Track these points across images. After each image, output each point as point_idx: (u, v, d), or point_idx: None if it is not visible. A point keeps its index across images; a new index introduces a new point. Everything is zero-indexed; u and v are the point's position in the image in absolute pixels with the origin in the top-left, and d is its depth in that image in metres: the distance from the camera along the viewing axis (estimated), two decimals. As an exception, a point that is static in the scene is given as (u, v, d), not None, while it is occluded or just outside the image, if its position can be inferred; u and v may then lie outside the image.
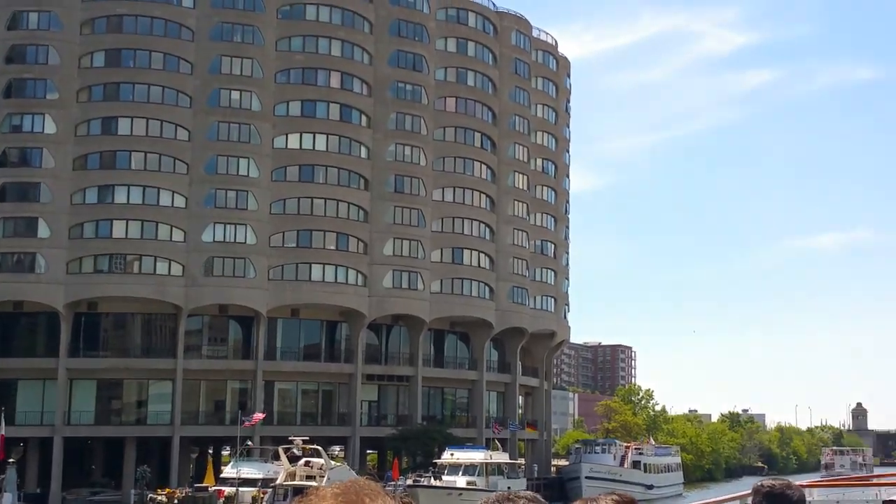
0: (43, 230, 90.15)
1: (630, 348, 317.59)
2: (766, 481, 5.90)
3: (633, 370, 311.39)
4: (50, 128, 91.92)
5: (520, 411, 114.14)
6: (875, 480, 16.27)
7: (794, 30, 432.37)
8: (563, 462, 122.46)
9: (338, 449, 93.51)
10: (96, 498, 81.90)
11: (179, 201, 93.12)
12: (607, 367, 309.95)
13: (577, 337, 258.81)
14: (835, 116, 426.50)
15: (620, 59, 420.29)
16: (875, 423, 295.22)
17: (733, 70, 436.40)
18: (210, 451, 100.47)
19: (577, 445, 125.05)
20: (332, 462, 71.40)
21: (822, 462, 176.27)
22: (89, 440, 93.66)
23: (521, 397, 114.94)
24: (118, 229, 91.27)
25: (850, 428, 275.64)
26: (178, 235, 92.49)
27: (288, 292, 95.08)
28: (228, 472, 72.45)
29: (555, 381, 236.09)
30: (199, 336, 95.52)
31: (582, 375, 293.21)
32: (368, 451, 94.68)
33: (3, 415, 73.62)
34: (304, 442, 72.40)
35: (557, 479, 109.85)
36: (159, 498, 68.03)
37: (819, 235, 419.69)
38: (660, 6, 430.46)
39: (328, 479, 64.53)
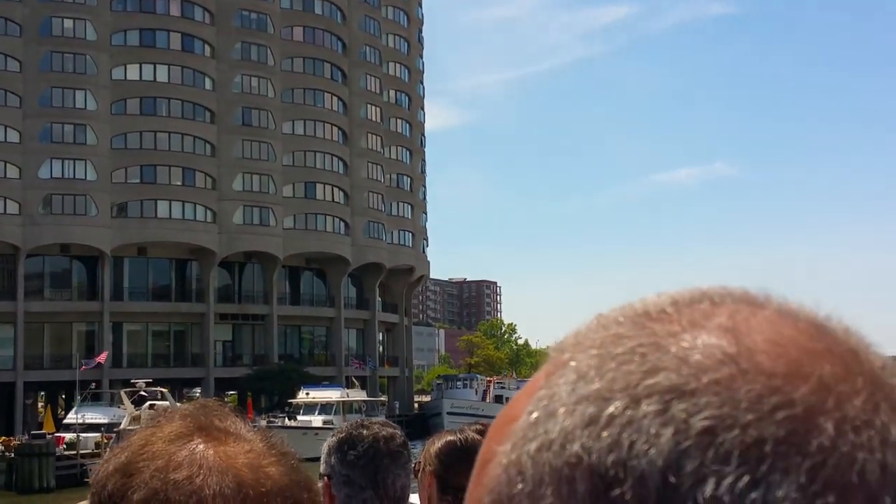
0: None
1: (495, 283, 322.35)
2: None
3: (498, 305, 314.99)
4: None
5: (380, 348, 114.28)
6: None
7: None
8: (426, 398, 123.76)
9: (197, 391, 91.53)
10: None
11: (13, 136, 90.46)
12: (473, 302, 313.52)
13: (442, 273, 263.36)
14: (689, 51, 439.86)
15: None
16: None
17: (589, 5, 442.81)
18: (63, 397, 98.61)
19: (438, 381, 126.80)
20: (179, 404, 69.83)
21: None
22: None
23: (381, 334, 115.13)
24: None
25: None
26: (12, 172, 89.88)
27: (133, 230, 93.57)
28: (71, 417, 70.77)
29: (420, 317, 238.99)
30: (41, 277, 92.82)
31: (448, 311, 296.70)
32: (228, 392, 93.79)
33: None
34: (148, 384, 71.83)
35: (419, 416, 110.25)
36: (-1, 443, 66.03)
37: (673, 170, 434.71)
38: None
39: None
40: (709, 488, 0.51)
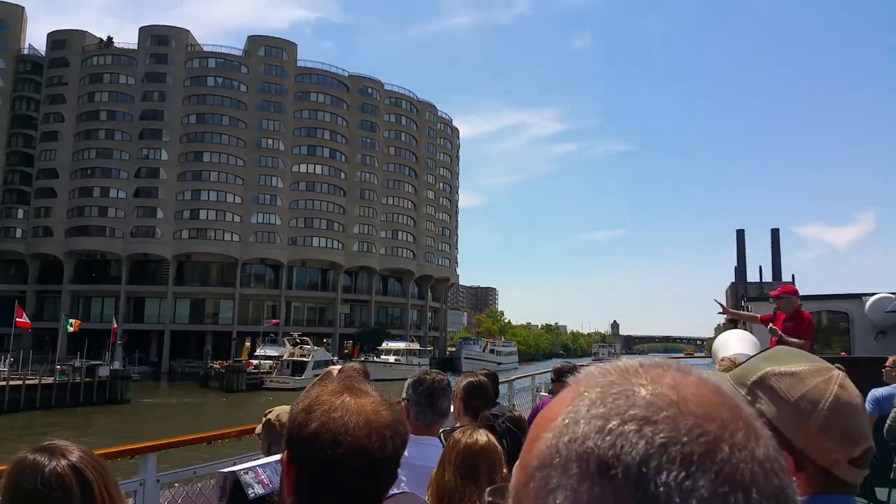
0: None
1: (495, 289, 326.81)
2: (561, 363, 6.36)
3: (497, 300, 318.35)
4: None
5: (430, 321, 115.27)
6: None
7: (584, 121, 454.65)
8: (453, 349, 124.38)
9: (326, 340, 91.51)
10: (188, 364, 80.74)
11: (238, 199, 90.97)
12: (483, 298, 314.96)
13: (468, 282, 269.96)
14: (606, 170, 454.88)
15: (489, 137, 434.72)
16: (624, 330, 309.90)
17: (551, 143, 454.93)
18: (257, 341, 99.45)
19: (460, 340, 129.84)
20: (316, 347, 70.93)
21: (593, 351, 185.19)
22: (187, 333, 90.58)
23: (430, 313, 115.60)
24: None
25: (610, 333, 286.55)
26: (237, 219, 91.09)
27: (299, 251, 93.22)
28: (259, 352, 72.31)
29: (453, 304, 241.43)
30: (249, 276, 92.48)
31: (470, 303, 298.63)
32: (346, 342, 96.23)
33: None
34: (300, 335, 73.21)
35: (449, 358, 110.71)
36: (215, 365, 67.76)
37: (595, 231, 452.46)
38: (512, 107, 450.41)
39: (312, 357, 66.04)
40: (663, 477, 0.56)
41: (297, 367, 65.90)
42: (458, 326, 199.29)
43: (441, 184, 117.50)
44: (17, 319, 46.96)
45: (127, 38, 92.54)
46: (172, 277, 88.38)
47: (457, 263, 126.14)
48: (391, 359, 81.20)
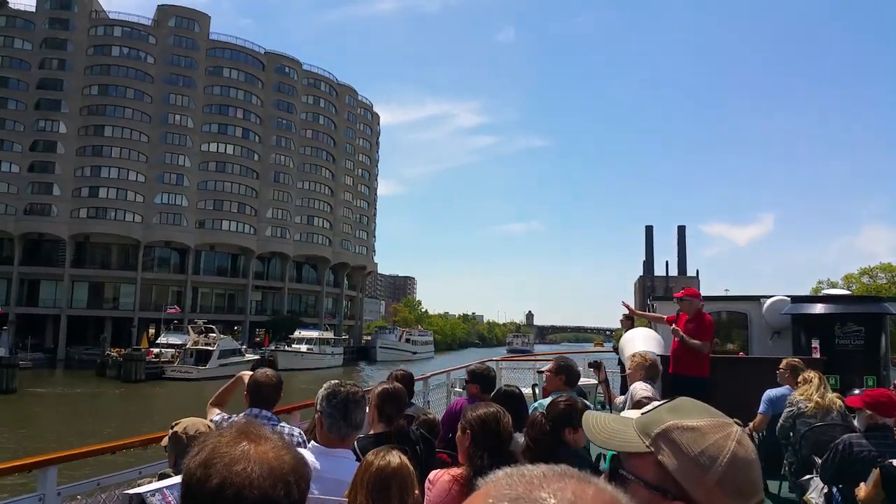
0: None
1: (413, 278, 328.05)
2: (475, 364, 6.27)
3: (415, 289, 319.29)
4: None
5: (345, 310, 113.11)
6: (533, 358, 18.66)
7: (505, 116, 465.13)
8: (369, 338, 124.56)
9: (237, 328, 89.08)
10: (85, 352, 75.92)
11: (141, 178, 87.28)
12: (401, 287, 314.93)
13: (386, 270, 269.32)
14: (524, 164, 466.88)
15: (411, 126, 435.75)
16: (538, 321, 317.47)
17: (472, 135, 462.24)
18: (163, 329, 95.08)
19: (376, 329, 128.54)
20: (222, 336, 68.18)
21: (507, 341, 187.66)
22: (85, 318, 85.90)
23: (345, 301, 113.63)
24: None
25: (525, 323, 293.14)
26: (139, 199, 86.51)
27: (208, 235, 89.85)
28: (161, 339, 69.40)
29: (370, 293, 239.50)
30: (152, 260, 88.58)
31: (388, 292, 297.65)
32: (258, 330, 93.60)
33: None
34: (205, 323, 70.41)
35: (364, 348, 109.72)
36: (112, 353, 64.13)
37: (512, 224, 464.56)
38: (435, 97, 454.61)
39: (217, 346, 63.41)
40: None
41: (202, 357, 63.18)
42: (376, 315, 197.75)
43: (359, 170, 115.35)
44: None
45: (28, 1, 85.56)
46: (70, 259, 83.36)
47: (374, 251, 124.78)
48: (303, 348, 79.57)
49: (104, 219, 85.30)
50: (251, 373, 4.24)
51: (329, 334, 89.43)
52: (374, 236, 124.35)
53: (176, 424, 3.29)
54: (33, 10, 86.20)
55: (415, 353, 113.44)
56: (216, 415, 4.25)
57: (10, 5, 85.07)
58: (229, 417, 4.09)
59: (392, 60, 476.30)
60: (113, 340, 78.37)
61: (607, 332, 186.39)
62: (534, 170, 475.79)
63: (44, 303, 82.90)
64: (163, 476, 3.07)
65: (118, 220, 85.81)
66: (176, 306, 78.76)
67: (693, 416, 1.16)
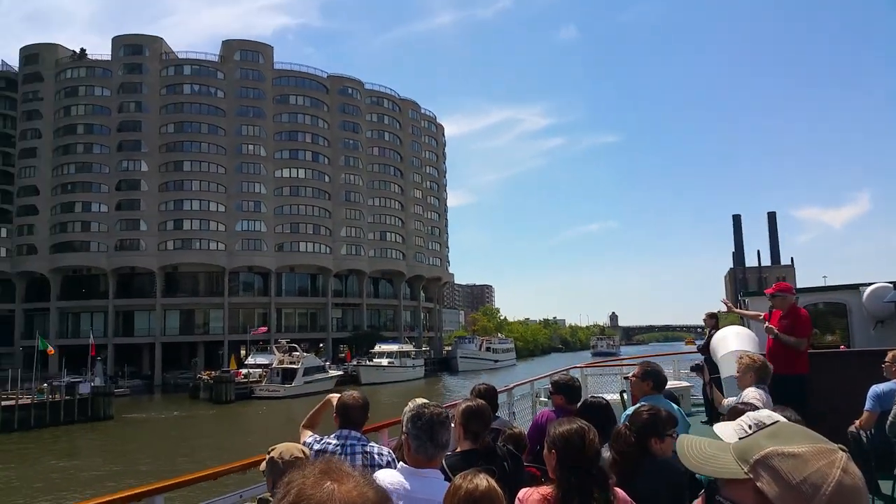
0: None
1: (491, 286, 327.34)
2: (559, 375, 6.19)
3: (493, 297, 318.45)
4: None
5: (424, 322, 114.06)
6: (619, 362, 17.91)
7: (571, 115, 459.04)
8: (449, 349, 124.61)
9: (321, 346, 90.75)
10: (180, 376, 78.45)
11: (222, 208, 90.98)
12: (479, 296, 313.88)
13: (463, 279, 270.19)
14: (595, 162, 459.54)
15: (478, 136, 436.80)
16: (623, 322, 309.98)
17: (539, 138, 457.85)
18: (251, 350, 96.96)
19: (456, 339, 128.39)
20: (305, 354, 69.46)
21: (591, 344, 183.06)
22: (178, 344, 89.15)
23: (424, 314, 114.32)
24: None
25: (609, 325, 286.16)
26: (221, 227, 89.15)
27: (287, 257, 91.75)
28: (249, 360, 71.60)
29: (449, 303, 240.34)
30: (238, 284, 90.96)
31: (466, 301, 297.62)
32: (341, 346, 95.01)
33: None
34: (288, 342, 72.11)
35: (445, 358, 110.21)
36: (203, 376, 66.55)
37: (587, 224, 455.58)
38: (499, 104, 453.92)
39: (302, 364, 64.80)
40: None
41: (287, 375, 64.72)
42: (456, 325, 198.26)
43: (428, 182, 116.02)
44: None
45: (104, 51, 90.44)
46: (160, 289, 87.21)
47: (448, 262, 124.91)
48: (384, 362, 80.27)
49: (189, 249, 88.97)
50: (339, 395, 4.35)
51: (409, 347, 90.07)
52: (448, 247, 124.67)
53: (272, 450, 3.39)
54: (109, 58, 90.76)
55: (496, 361, 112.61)
56: (308, 436, 4.30)
57: (89, 56, 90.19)
58: (321, 439, 4.19)
59: (454, 72, 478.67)
60: (206, 364, 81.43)
61: (697, 330, 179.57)
62: (605, 167, 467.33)
63: (139, 332, 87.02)
64: (262, 501, 3.18)
65: (203, 250, 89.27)
66: (263, 327, 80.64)
67: (794, 442, 1.12)
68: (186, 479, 3.94)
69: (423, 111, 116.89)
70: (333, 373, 72.33)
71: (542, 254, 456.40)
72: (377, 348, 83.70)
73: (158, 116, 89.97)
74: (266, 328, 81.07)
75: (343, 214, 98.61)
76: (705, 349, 10.67)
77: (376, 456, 4.04)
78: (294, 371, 64.57)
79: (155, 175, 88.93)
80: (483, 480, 2.53)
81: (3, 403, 42.62)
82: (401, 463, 3.27)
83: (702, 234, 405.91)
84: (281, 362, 65.77)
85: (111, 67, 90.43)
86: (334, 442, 4.09)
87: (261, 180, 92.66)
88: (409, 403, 3.81)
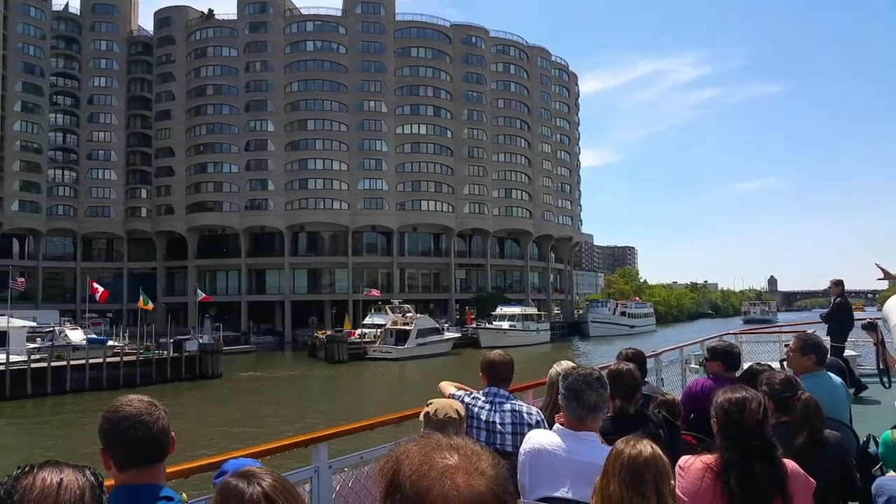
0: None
1: (633, 248, 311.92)
2: (716, 341, 5.87)
3: (636, 260, 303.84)
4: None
5: (555, 285, 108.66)
6: (778, 329, 15.46)
7: (728, 64, 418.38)
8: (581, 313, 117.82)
9: (431, 305, 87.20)
10: (308, 334, 75.73)
11: (344, 167, 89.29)
12: (620, 257, 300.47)
13: (605, 241, 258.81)
14: (754, 115, 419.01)
15: (622, 90, 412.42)
16: (783, 286, 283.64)
17: (691, 89, 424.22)
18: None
19: (587, 302, 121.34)
20: (418, 315, 66.73)
21: (743, 310, 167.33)
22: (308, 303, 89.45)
23: (554, 276, 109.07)
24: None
25: (767, 289, 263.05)
26: (343, 186, 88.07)
27: (408, 216, 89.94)
28: (367, 321, 69.45)
29: (587, 265, 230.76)
30: (361, 244, 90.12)
31: (606, 264, 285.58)
32: (466, 308, 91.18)
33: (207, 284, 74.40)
34: (401, 302, 70.44)
35: (576, 323, 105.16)
36: (319, 335, 65.69)
37: (744, 182, 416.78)
38: (647, 55, 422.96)
39: (415, 325, 62.75)
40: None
41: (400, 336, 61.98)
42: (594, 289, 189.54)
43: (558, 135, 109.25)
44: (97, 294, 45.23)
45: (229, 9, 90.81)
46: (288, 248, 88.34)
47: (581, 221, 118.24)
48: (505, 325, 76.32)
49: (314, 208, 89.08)
50: (448, 383, 4.40)
51: (533, 310, 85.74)
52: (580, 205, 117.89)
53: (429, 404, 3.55)
54: (235, 17, 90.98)
55: (632, 326, 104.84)
56: (455, 389, 4.27)
57: (216, 16, 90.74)
58: (469, 394, 4.16)
59: (597, 24, 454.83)
60: (334, 322, 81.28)
61: (868, 295, 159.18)
62: (766, 120, 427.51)
63: (270, 290, 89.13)
64: None
65: (327, 209, 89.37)
66: (376, 290, 78.51)
67: None
68: (347, 428, 4.07)
69: (553, 59, 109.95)
70: (450, 335, 69.04)
71: (692, 214, 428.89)
72: (498, 311, 79.85)
73: (283, 75, 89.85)
74: (378, 290, 78.83)
75: (466, 171, 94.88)
76: (829, 317, 10.32)
77: (525, 415, 3.96)
78: (407, 332, 61.61)
79: (281, 135, 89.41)
80: (647, 446, 2.42)
81: (108, 360, 42.07)
82: (557, 424, 3.15)
83: (874, 191, 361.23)
84: (395, 323, 63.19)
85: (237, 27, 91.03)
86: (483, 398, 4.05)
87: (382, 137, 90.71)
88: (555, 366, 3.92)
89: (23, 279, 58.15)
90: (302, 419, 31.68)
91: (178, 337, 49.79)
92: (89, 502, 1.21)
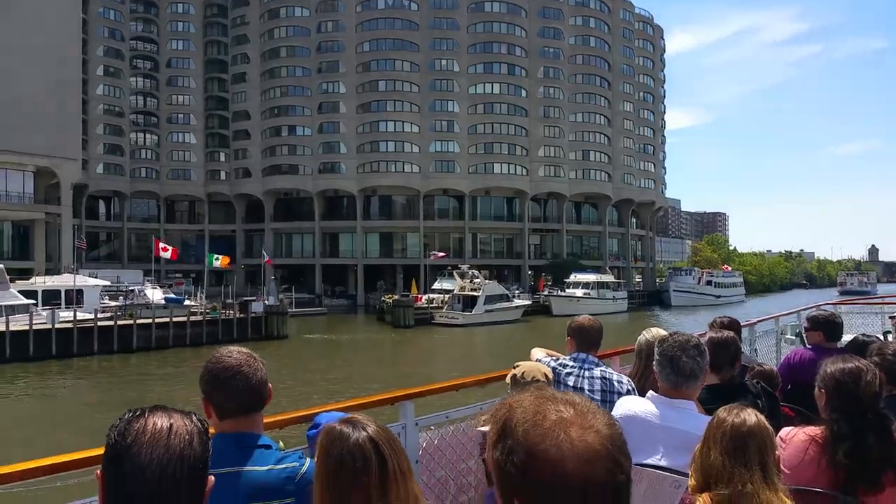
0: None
1: (724, 214, 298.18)
2: (816, 310, 5.61)
3: (727, 226, 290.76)
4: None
5: (635, 252, 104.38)
6: (880, 300, 15.07)
7: (828, 18, 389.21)
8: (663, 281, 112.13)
9: (529, 273, 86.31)
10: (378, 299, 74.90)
11: (415, 129, 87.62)
12: (710, 224, 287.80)
13: (694, 206, 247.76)
14: (856, 73, 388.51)
15: (713, 47, 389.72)
16: (885, 256, 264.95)
17: (788, 46, 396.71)
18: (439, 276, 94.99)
19: (669, 270, 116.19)
20: (487, 281, 64.73)
21: (839, 280, 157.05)
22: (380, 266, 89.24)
23: (634, 242, 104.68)
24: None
25: (867, 259, 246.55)
26: (415, 149, 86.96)
27: (481, 179, 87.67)
28: (436, 286, 68.98)
29: (674, 232, 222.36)
30: (433, 210, 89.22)
31: (695, 230, 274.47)
32: (543, 274, 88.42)
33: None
34: (469, 268, 68.60)
35: (656, 291, 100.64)
36: (387, 299, 64.82)
37: (844, 144, 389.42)
38: (740, 9, 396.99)
39: (483, 291, 60.98)
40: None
41: (468, 302, 60.50)
42: (680, 257, 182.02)
43: (641, 93, 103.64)
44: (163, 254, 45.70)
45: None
46: (360, 212, 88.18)
47: (665, 185, 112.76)
48: (578, 292, 73.49)
49: (386, 172, 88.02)
50: (539, 349, 4.26)
51: (609, 277, 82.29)
52: (664, 168, 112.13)
53: (517, 366, 3.54)
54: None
55: (718, 296, 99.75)
56: (542, 354, 4.18)
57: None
58: (557, 359, 4.10)
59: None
60: (406, 286, 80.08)
61: None
62: (869, 78, 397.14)
63: (343, 253, 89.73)
64: None
65: (398, 172, 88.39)
66: (442, 252, 77.32)
67: None
68: (434, 387, 4.14)
69: (636, 11, 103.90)
70: (520, 302, 67.05)
71: (788, 178, 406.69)
72: (572, 278, 76.93)
73: (354, 35, 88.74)
74: (444, 254, 77.67)
75: (541, 132, 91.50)
76: None
77: (615, 382, 3.85)
78: (475, 298, 60.01)
79: (352, 96, 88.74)
80: (751, 415, 2.37)
81: (175, 320, 42.51)
82: (650, 392, 3.07)
83: None
84: (462, 289, 61.62)
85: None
86: (571, 363, 3.97)
87: (454, 97, 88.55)
88: (644, 333, 3.86)
89: (83, 240, 59.67)
90: (354, 382, 30.89)
91: (244, 298, 49.98)
92: (197, 448, 1.26)
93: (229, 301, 48.98)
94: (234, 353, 2.20)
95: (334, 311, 74.82)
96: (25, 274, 52.12)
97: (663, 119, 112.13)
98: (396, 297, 64.04)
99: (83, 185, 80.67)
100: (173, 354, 40.16)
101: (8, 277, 38.99)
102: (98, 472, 1.26)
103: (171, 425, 1.26)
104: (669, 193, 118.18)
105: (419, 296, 64.82)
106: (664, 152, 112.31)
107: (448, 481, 3.81)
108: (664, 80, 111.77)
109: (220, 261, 51.10)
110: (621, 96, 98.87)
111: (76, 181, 71.02)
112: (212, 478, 1.31)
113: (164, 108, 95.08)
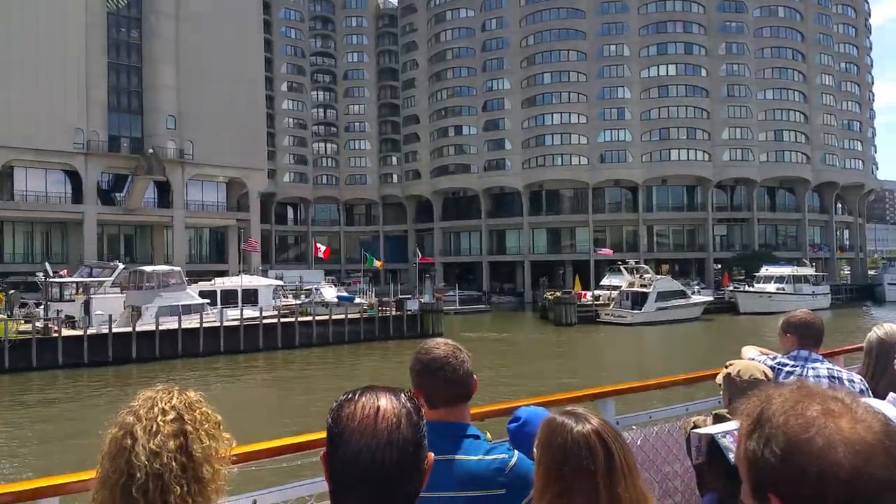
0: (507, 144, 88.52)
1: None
2: None
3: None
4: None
5: (841, 241, 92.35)
6: None
7: None
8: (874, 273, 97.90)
9: (677, 267, 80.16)
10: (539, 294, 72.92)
11: (583, 119, 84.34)
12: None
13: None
14: None
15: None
16: None
17: None
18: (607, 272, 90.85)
19: (883, 261, 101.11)
20: (659, 276, 60.37)
21: None
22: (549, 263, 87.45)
23: (840, 230, 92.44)
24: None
25: None
26: (582, 140, 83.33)
27: (657, 168, 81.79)
28: (604, 282, 64.44)
29: (892, 218, 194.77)
30: (602, 202, 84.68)
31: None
32: (734, 268, 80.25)
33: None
34: (637, 262, 63.95)
35: (867, 285, 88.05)
36: (548, 297, 61.40)
37: None
38: None
39: (654, 287, 56.41)
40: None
41: (637, 299, 56.12)
42: (895, 244, 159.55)
43: (843, 64, 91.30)
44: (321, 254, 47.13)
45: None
46: (526, 208, 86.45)
47: (875, 165, 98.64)
48: (770, 287, 65.52)
49: (552, 165, 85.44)
50: (751, 347, 3.87)
51: (808, 270, 72.65)
52: (874, 145, 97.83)
53: (730, 365, 3.22)
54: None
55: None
56: (755, 352, 3.85)
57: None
58: (773, 357, 3.75)
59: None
60: (575, 282, 77.35)
61: None
62: None
63: (510, 250, 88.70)
64: (717, 416, 2.90)
65: (565, 166, 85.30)
66: (605, 248, 73.07)
67: None
68: (635, 385, 4.04)
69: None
70: (699, 298, 61.21)
71: None
72: (763, 271, 68.82)
73: (519, 29, 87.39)
74: (610, 249, 73.15)
75: (725, 113, 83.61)
76: None
77: (846, 381, 3.43)
78: (645, 295, 55.57)
79: (517, 92, 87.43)
80: None
81: (334, 318, 43.78)
82: (892, 393, 2.72)
83: None
84: (631, 285, 57.35)
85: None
86: (791, 362, 3.60)
87: (624, 83, 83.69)
88: (875, 329, 3.55)
89: (255, 241, 63.76)
90: (499, 384, 29.18)
91: (400, 296, 50.39)
92: (405, 430, 1.22)
93: (385, 299, 49.56)
94: (441, 345, 2.25)
95: (501, 309, 73.76)
96: (222, 275, 57.13)
97: (871, 91, 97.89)
98: (557, 294, 61.22)
99: (272, 193, 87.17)
100: (333, 351, 41.25)
101: (185, 279, 42.31)
102: (322, 454, 1.26)
103: (378, 408, 1.23)
104: (882, 174, 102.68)
105: (582, 292, 61.48)
106: (873, 128, 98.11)
107: (652, 483, 3.44)
108: (870, 48, 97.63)
109: (370, 263, 51.97)
110: (818, 69, 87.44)
111: (263, 190, 76.72)
112: (431, 454, 1.28)
113: (342, 118, 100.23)
